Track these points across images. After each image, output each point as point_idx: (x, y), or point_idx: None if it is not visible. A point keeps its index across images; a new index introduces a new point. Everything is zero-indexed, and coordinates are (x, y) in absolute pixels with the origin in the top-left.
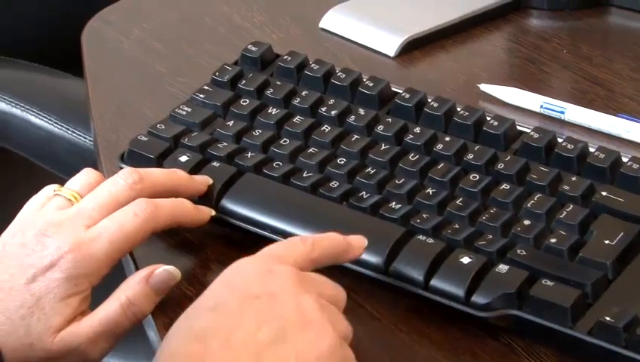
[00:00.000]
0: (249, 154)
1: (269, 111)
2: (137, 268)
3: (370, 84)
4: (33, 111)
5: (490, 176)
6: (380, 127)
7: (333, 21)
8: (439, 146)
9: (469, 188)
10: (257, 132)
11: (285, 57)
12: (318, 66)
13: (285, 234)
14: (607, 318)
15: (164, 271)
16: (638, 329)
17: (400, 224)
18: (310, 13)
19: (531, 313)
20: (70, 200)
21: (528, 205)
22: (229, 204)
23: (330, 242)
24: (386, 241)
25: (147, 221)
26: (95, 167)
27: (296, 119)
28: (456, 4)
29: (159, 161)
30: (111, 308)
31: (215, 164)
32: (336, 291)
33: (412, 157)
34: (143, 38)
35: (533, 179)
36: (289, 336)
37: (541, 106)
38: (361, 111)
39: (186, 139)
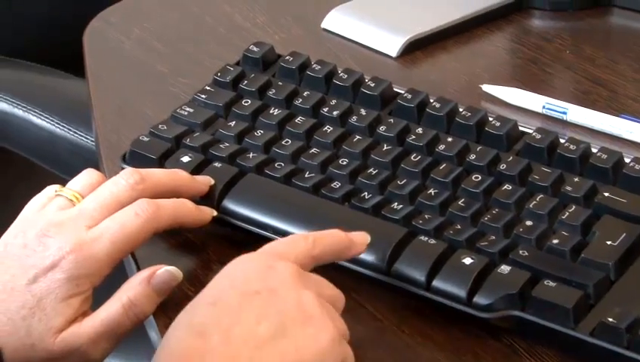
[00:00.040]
0: (251, 155)
1: (271, 111)
2: (139, 269)
3: (372, 85)
4: (35, 112)
5: (493, 176)
6: (382, 128)
7: (335, 21)
8: (441, 147)
9: (471, 188)
10: (259, 132)
11: (287, 58)
12: (320, 67)
13: (287, 235)
14: (610, 319)
15: (166, 272)
16: None
17: (402, 224)
18: (312, 13)
19: (533, 314)
20: (71, 200)
21: (530, 206)
22: (230, 205)
23: (332, 239)
24: (387, 242)
25: (149, 221)
26: (97, 167)
27: (298, 119)
28: (458, 5)
29: (161, 162)
30: (112, 308)
31: (217, 164)
32: (335, 292)
33: (414, 157)
34: (144, 38)
35: (535, 179)
36: (289, 331)
37: (543, 107)
38: (363, 112)
39: (188, 140)
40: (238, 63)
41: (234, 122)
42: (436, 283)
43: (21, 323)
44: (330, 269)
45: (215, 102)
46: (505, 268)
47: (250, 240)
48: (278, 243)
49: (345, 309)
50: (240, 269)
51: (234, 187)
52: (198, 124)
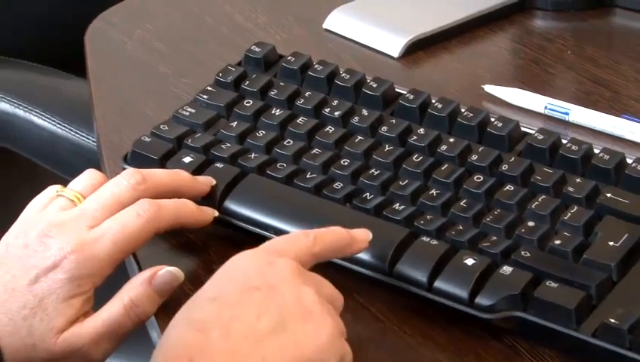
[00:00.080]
0: (252, 155)
1: (273, 112)
2: (140, 269)
3: (374, 85)
4: (36, 112)
5: (495, 177)
6: (384, 128)
7: (337, 22)
8: (443, 147)
9: (473, 189)
10: (261, 133)
11: (289, 58)
12: (321, 67)
13: None
14: (612, 320)
15: (167, 273)
16: None
17: (404, 225)
18: (314, 13)
19: (535, 315)
20: (73, 201)
21: (532, 206)
22: (232, 205)
23: (333, 236)
24: (389, 243)
25: (150, 221)
26: (98, 167)
27: (300, 120)
28: (460, 5)
29: (162, 162)
30: (114, 309)
31: (218, 164)
32: (334, 292)
33: (416, 158)
34: (146, 38)
35: (537, 180)
36: (289, 326)
37: (545, 107)
38: (365, 112)
39: (190, 140)
40: (239, 64)
41: (235, 122)
42: (438, 283)
43: (22, 323)
44: (331, 270)
45: (217, 102)
46: (507, 269)
47: (251, 240)
48: (278, 240)
49: (346, 310)
50: (240, 265)
51: (235, 187)
52: (200, 125)
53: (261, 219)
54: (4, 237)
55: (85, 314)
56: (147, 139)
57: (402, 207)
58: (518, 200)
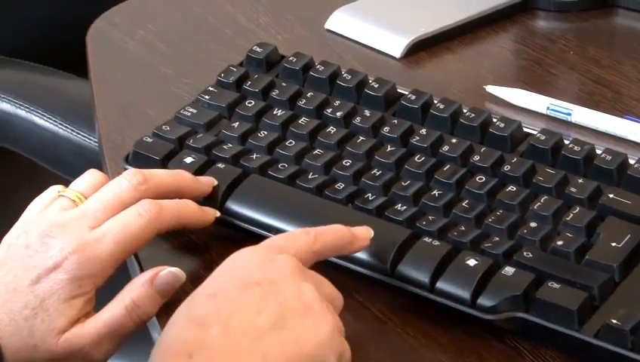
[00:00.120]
0: (254, 156)
1: (275, 112)
2: (142, 270)
3: (376, 86)
4: (37, 113)
5: (497, 177)
6: (386, 129)
7: (338, 22)
8: (445, 148)
9: (475, 190)
10: (263, 133)
11: (291, 58)
12: (323, 67)
13: None
14: (614, 321)
15: (169, 273)
16: None
17: (406, 226)
18: (316, 14)
19: (538, 315)
20: (74, 201)
21: (535, 207)
22: (234, 206)
23: (334, 234)
24: (391, 243)
25: (151, 222)
26: (99, 168)
27: (302, 120)
28: (462, 6)
29: (164, 163)
30: (115, 309)
31: (220, 165)
32: (334, 292)
33: (418, 158)
34: (148, 38)
35: (539, 181)
36: (288, 322)
37: (548, 108)
38: (367, 113)
39: (191, 141)
40: (241, 64)
41: (237, 123)
42: (440, 284)
43: (24, 323)
44: (333, 270)
45: (218, 103)
46: (509, 270)
47: (253, 241)
48: (279, 237)
49: (348, 310)
50: (240, 262)
51: (237, 188)
52: (202, 125)
53: (263, 219)
54: (5, 238)
55: (87, 315)
56: (149, 140)
57: (404, 207)
58: (521, 201)
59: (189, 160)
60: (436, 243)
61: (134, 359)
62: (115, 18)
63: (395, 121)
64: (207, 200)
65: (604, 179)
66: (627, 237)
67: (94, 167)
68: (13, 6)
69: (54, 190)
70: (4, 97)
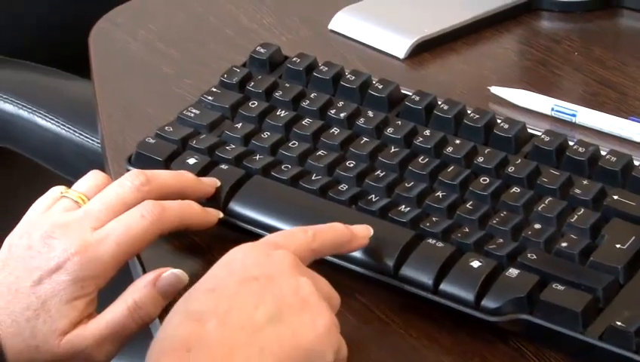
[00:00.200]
0: (257, 157)
1: (278, 113)
2: (144, 271)
3: (380, 87)
4: (40, 113)
5: (501, 179)
6: (390, 130)
7: (342, 23)
8: (449, 149)
9: (479, 191)
10: (266, 134)
11: (294, 59)
12: (327, 68)
13: None
14: (619, 323)
15: (172, 275)
16: None
17: (409, 227)
18: (319, 14)
19: (542, 317)
20: (77, 202)
21: (539, 209)
22: (236, 207)
23: (332, 233)
24: (395, 245)
25: (154, 223)
26: (102, 169)
27: (305, 121)
28: (466, 6)
29: (167, 164)
30: (118, 311)
31: (223, 166)
32: (331, 291)
33: (422, 160)
34: (150, 39)
35: (543, 182)
36: (286, 316)
37: (552, 109)
38: (371, 114)
39: (194, 142)
40: (244, 65)
41: (240, 124)
42: (444, 286)
43: (25, 324)
44: (336, 271)
45: (221, 103)
46: (513, 272)
47: None
48: (277, 235)
49: (351, 311)
50: (238, 257)
51: (240, 189)
52: (205, 126)
53: (266, 220)
54: (7, 238)
55: (89, 316)
56: (151, 141)
57: (408, 208)
58: (525, 203)
59: (191, 161)
60: (440, 244)
61: (136, 360)
62: (118, 18)
63: (399, 122)
64: (210, 201)
65: (609, 181)
66: (632, 239)
67: (97, 168)
68: (13, 6)
69: (57, 191)
70: (6, 98)
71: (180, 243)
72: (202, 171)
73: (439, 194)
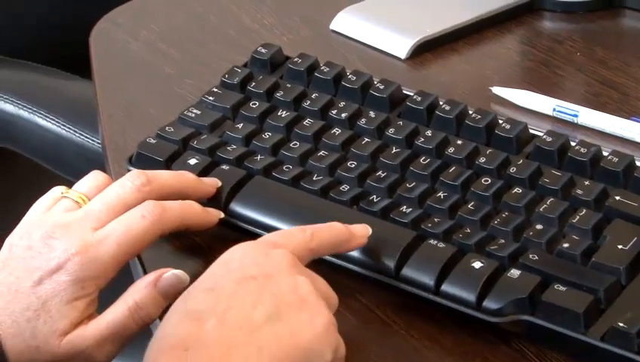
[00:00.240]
0: (258, 157)
1: (279, 113)
2: (145, 272)
3: (381, 87)
4: (40, 114)
5: (502, 179)
6: (391, 130)
7: (343, 23)
8: (451, 150)
9: (481, 191)
10: (267, 135)
11: (295, 59)
12: (328, 68)
13: None
14: (621, 324)
15: (173, 276)
16: None
17: (411, 228)
18: (320, 14)
19: (543, 318)
20: (78, 202)
21: (540, 209)
22: (238, 208)
23: (330, 232)
24: (396, 245)
25: (155, 223)
26: (102, 169)
27: (306, 122)
28: (468, 6)
29: (168, 164)
30: (118, 311)
31: (224, 166)
32: (329, 290)
33: (423, 160)
34: (151, 39)
35: (545, 183)
36: (284, 315)
37: (554, 109)
38: (372, 114)
39: (195, 142)
40: (245, 65)
41: (241, 124)
42: (445, 287)
43: (26, 325)
44: (337, 271)
45: (222, 104)
46: (515, 272)
47: None
48: (275, 234)
49: (352, 312)
50: (237, 257)
51: (241, 190)
52: (206, 126)
53: (267, 221)
54: (8, 239)
55: (89, 317)
56: (152, 141)
57: (409, 209)
58: (526, 203)
59: (193, 161)
60: (441, 245)
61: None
62: (119, 19)
63: (401, 123)
64: (211, 201)
65: (611, 181)
66: (634, 240)
67: (97, 169)
68: (13, 6)
69: (57, 191)
70: (6, 98)
71: (180, 244)
72: (203, 172)
73: (441, 194)
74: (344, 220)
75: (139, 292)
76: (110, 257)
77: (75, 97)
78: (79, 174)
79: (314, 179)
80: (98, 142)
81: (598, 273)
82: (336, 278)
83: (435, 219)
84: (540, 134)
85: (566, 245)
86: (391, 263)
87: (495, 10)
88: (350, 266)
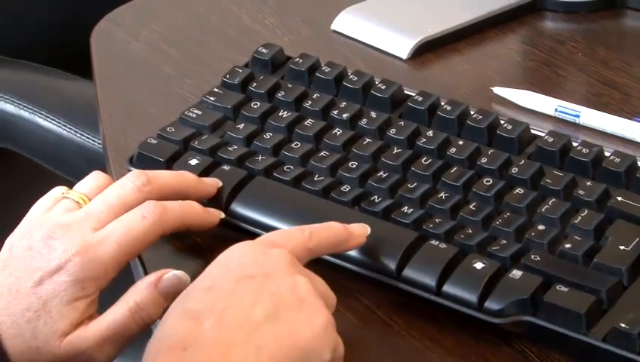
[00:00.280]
0: (259, 158)
1: (280, 114)
2: (146, 272)
3: (383, 87)
4: (41, 114)
5: (504, 180)
6: (392, 131)
7: (345, 23)
8: (452, 150)
9: (483, 192)
10: (268, 135)
11: (296, 59)
12: (329, 69)
13: None
14: (623, 325)
15: (174, 276)
16: None
17: (412, 228)
18: (322, 15)
19: (545, 319)
20: (78, 202)
21: (542, 210)
22: (239, 208)
23: (328, 232)
24: (398, 246)
25: (155, 223)
26: (103, 170)
27: (308, 122)
28: (469, 6)
29: (169, 165)
30: (119, 312)
31: (225, 167)
32: (327, 290)
33: (425, 160)
34: (152, 39)
35: (547, 183)
36: (282, 315)
37: (556, 110)
38: (373, 115)
39: (196, 142)
40: (246, 65)
41: (242, 125)
42: (447, 287)
43: (26, 325)
44: (338, 272)
45: (224, 104)
46: (516, 273)
47: None
48: (274, 234)
49: (353, 313)
50: (235, 256)
51: (242, 190)
52: (207, 127)
53: (268, 221)
54: (8, 239)
55: (90, 317)
56: (153, 141)
57: (411, 210)
58: (528, 204)
59: (193, 162)
60: (443, 245)
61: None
62: (119, 19)
63: (402, 123)
64: (211, 202)
65: (613, 182)
66: (636, 241)
67: (98, 169)
68: (13, 6)
69: (58, 191)
70: (7, 98)
71: (181, 244)
72: (204, 172)
73: (442, 195)
74: (345, 220)
75: (139, 292)
76: (110, 258)
77: (76, 97)
78: (80, 174)
79: (315, 179)
80: (99, 143)
81: (600, 274)
82: (337, 278)
83: (437, 220)
84: (542, 134)
85: (568, 246)
86: (392, 264)
87: (497, 11)
88: (351, 266)
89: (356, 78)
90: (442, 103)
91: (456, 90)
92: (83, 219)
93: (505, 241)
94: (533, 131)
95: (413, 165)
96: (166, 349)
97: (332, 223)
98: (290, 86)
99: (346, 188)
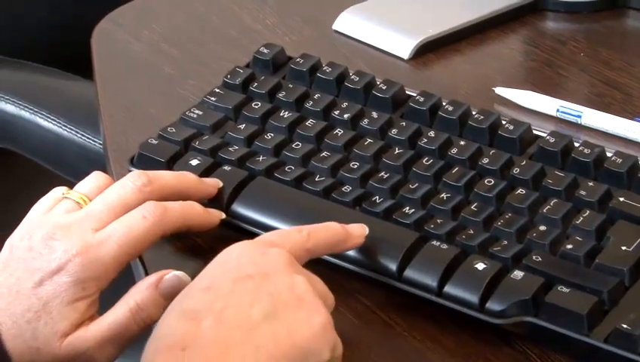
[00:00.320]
0: (260, 158)
1: (281, 114)
2: (147, 273)
3: (384, 87)
4: (42, 114)
5: (506, 180)
6: (394, 131)
7: (346, 23)
8: (454, 150)
9: (484, 192)
10: (269, 135)
11: (298, 60)
12: (330, 69)
13: None
14: (624, 325)
15: (174, 277)
16: None
17: (413, 229)
18: (323, 15)
19: (547, 320)
20: (79, 203)
21: (544, 210)
22: (239, 208)
23: (327, 232)
24: (399, 247)
25: (156, 224)
26: (103, 170)
27: (309, 122)
28: (471, 6)
29: (169, 165)
30: (120, 313)
31: (226, 167)
32: (326, 290)
33: (426, 161)
34: (153, 39)
35: (549, 184)
36: (281, 314)
37: (557, 110)
38: (375, 115)
39: (197, 143)
40: (247, 65)
41: (243, 125)
42: (448, 288)
43: (26, 326)
44: (339, 272)
45: (224, 104)
46: (518, 274)
47: None
48: (272, 234)
49: (354, 313)
50: (233, 256)
51: (243, 191)
52: (207, 127)
53: (269, 222)
54: (8, 239)
55: (90, 318)
56: (154, 142)
57: (412, 210)
58: (530, 204)
59: (194, 162)
60: (444, 246)
61: None
62: (120, 19)
63: (403, 123)
64: (212, 202)
65: (615, 182)
66: (638, 241)
67: (98, 169)
68: (13, 6)
69: (59, 192)
70: (7, 98)
71: (182, 245)
72: (205, 172)
73: (444, 195)
74: (346, 221)
75: (140, 293)
76: (111, 258)
77: (76, 98)
78: (80, 175)
79: (316, 179)
80: (99, 143)
81: (602, 274)
82: (337, 279)
83: (438, 220)
84: (544, 135)
85: (569, 246)
86: (393, 264)
87: (498, 11)
88: (352, 267)
89: (357, 78)
90: (444, 104)
91: (457, 91)
92: (83, 220)
93: (506, 242)
94: (534, 131)
95: (415, 165)
96: (164, 349)
97: (330, 223)
98: (291, 86)
99: (347, 188)
